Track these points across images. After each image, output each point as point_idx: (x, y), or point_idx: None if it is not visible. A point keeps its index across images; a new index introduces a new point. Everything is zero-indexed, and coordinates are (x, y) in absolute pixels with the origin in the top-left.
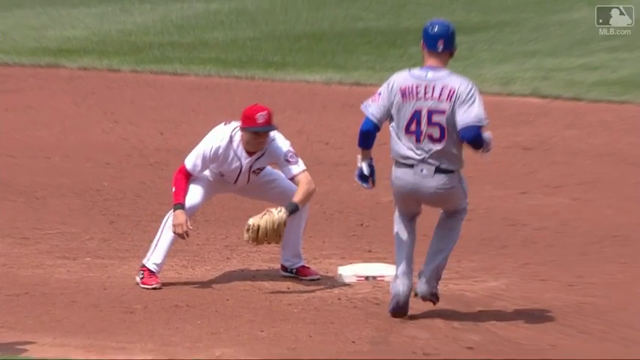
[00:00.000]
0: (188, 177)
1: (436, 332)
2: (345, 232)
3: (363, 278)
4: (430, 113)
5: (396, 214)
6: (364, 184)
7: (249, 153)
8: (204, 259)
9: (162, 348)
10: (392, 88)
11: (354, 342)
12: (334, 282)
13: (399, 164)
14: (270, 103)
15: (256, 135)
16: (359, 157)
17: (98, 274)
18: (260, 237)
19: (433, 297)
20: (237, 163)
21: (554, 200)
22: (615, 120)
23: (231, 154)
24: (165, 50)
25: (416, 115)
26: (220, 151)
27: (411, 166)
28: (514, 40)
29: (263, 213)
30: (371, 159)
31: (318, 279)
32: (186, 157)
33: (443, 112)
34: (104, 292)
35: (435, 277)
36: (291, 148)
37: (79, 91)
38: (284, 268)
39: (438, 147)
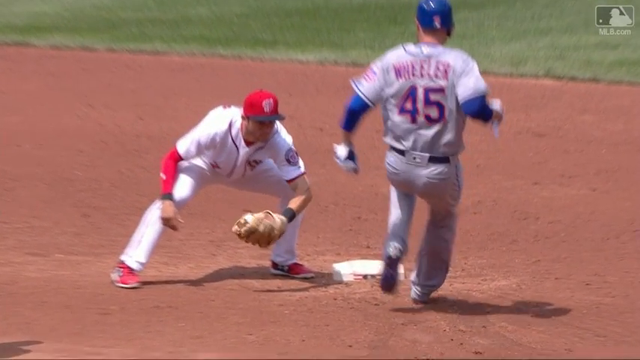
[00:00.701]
0: (178, 162)
1: (440, 336)
2: (340, 227)
3: (360, 276)
4: (427, 92)
5: (392, 189)
6: (346, 166)
7: (248, 143)
8: (187, 256)
9: (141, 353)
10: (386, 67)
11: (350, 346)
12: (329, 280)
13: (391, 149)
14: (259, 85)
15: (261, 125)
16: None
17: (71, 272)
18: (250, 238)
19: (427, 299)
20: (235, 153)
21: (569, 192)
22: (634, 104)
23: (229, 142)
24: (144, 27)
25: (411, 94)
26: (218, 138)
27: (403, 152)
28: (526, 16)
29: (264, 216)
30: (351, 144)
31: (312, 277)
32: (175, 141)
33: (441, 89)
34: (77, 292)
35: (433, 284)
36: (292, 146)
37: (50, 73)
38: (275, 265)
39: (435, 129)
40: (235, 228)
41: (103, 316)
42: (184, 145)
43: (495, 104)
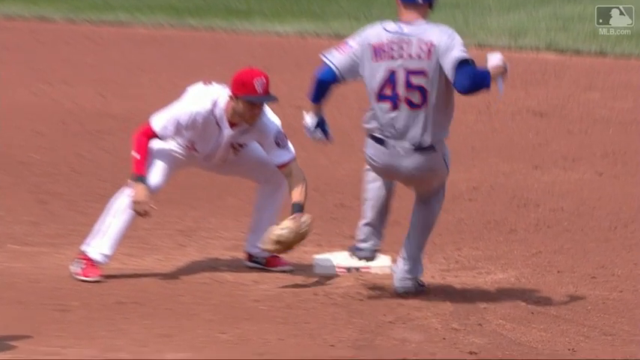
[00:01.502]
0: (151, 140)
1: (432, 334)
2: (322, 215)
3: (344, 269)
4: (408, 74)
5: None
6: (314, 136)
7: (233, 125)
8: (154, 247)
9: (104, 353)
10: (364, 45)
11: (333, 346)
12: (309, 274)
13: (371, 139)
14: (232, 60)
15: (252, 106)
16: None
17: (26, 265)
18: (282, 248)
19: (414, 290)
20: (217, 136)
21: (572, 176)
22: None
23: (212, 123)
24: None
25: (391, 78)
26: (200, 118)
27: (383, 142)
28: None
29: (295, 224)
30: (321, 113)
31: (291, 270)
32: (143, 120)
33: (423, 72)
34: (33, 286)
35: (416, 268)
36: (281, 128)
37: (2, 46)
38: (250, 257)
39: (417, 115)
40: (270, 247)
41: (62, 313)
42: (161, 121)
43: (494, 58)
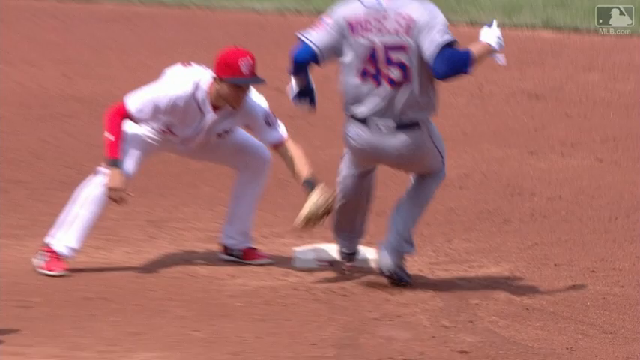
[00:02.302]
0: (125, 120)
1: (420, 332)
2: (302, 204)
3: (325, 263)
4: (387, 50)
5: (346, 160)
6: (298, 103)
7: (216, 108)
8: (122, 239)
9: (69, 353)
10: (339, 21)
11: (314, 344)
12: (289, 268)
13: (351, 119)
14: (207, 39)
15: (237, 89)
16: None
17: None
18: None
19: (400, 273)
20: (199, 121)
21: (570, 163)
22: None
23: (194, 108)
24: None
25: (371, 54)
26: (181, 102)
27: (365, 121)
28: None
29: (320, 198)
30: (306, 80)
31: (269, 264)
32: (125, 96)
33: (403, 47)
34: None
35: (400, 244)
36: (268, 107)
37: None
38: (225, 249)
39: (399, 92)
40: (301, 225)
41: (24, 309)
42: (137, 103)
43: (487, 35)
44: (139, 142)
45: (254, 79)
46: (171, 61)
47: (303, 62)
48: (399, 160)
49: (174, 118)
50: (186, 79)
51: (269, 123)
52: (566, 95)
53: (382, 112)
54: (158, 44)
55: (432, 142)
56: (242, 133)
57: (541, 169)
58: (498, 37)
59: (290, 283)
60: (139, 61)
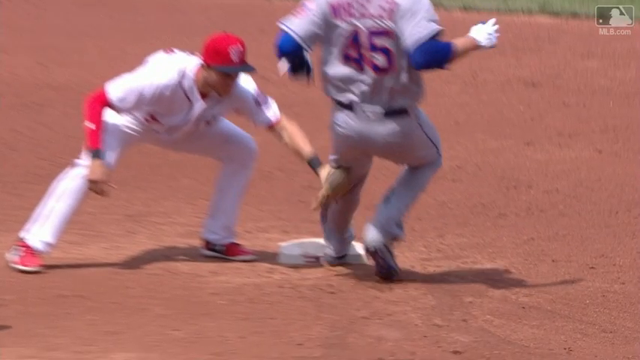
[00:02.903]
0: (105, 108)
1: (411, 331)
2: (288, 197)
3: (312, 259)
4: (371, 35)
5: (331, 162)
6: (295, 75)
7: (204, 95)
8: (99, 234)
9: (43, 353)
10: (321, 3)
11: (300, 344)
12: (274, 264)
13: (338, 106)
14: (187, 24)
15: (226, 77)
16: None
17: None
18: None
19: (387, 254)
20: (187, 109)
21: (568, 154)
22: None
23: (181, 97)
24: None
25: (354, 38)
26: (168, 92)
27: (351, 107)
28: None
29: (336, 177)
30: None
31: (253, 260)
32: (106, 83)
33: (386, 33)
34: None
35: (389, 225)
36: (257, 88)
37: None
38: (207, 245)
39: (384, 79)
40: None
41: None
42: (119, 91)
43: (478, 32)
44: (118, 132)
45: (244, 67)
46: (151, 48)
47: (289, 52)
48: (387, 149)
49: (159, 107)
50: (171, 67)
51: (260, 104)
52: (564, 83)
53: (369, 98)
54: (137, 30)
55: (422, 131)
56: (227, 123)
57: (538, 161)
58: (490, 34)
59: (275, 281)
60: (116, 48)
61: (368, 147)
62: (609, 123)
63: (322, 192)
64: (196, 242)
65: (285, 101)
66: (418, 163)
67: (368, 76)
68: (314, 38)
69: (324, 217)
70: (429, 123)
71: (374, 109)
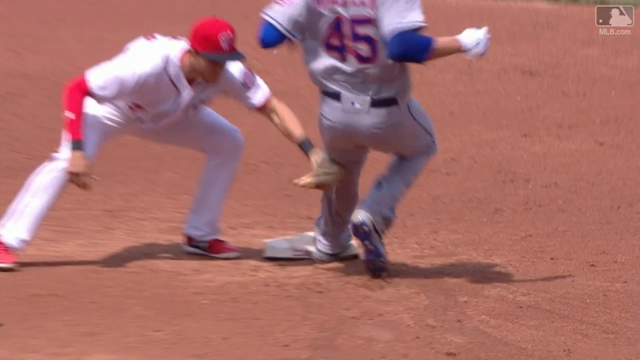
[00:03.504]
0: (86, 96)
1: (403, 332)
2: (274, 192)
3: (301, 253)
4: (353, 23)
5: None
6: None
7: (190, 81)
8: (76, 230)
9: (18, 355)
10: None
11: (287, 346)
12: (259, 261)
13: (324, 96)
14: (167, 10)
15: (215, 64)
16: None
17: None
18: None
19: (372, 235)
20: (174, 97)
21: (568, 146)
22: None
23: (167, 85)
24: None
25: (336, 26)
26: (152, 80)
27: (338, 97)
28: None
29: (325, 166)
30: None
31: (237, 257)
32: (86, 71)
33: (369, 21)
34: None
35: (379, 205)
36: (244, 68)
37: None
38: (190, 241)
39: (369, 69)
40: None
41: None
42: (100, 79)
43: (466, 34)
44: (97, 125)
45: (233, 55)
46: (130, 35)
47: (272, 44)
48: (374, 139)
49: (144, 96)
50: (155, 54)
51: (248, 86)
52: (563, 72)
53: (355, 88)
54: (115, 16)
55: (414, 120)
56: (212, 114)
57: (536, 153)
58: (479, 41)
59: (260, 279)
60: (94, 35)
61: (354, 138)
62: (611, 114)
63: (309, 180)
64: (178, 239)
65: (271, 91)
66: (412, 151)
67: (352, 66)
68: (298, 27)
69: (324, 210)
70: (421, 111)
71: (361, 99)
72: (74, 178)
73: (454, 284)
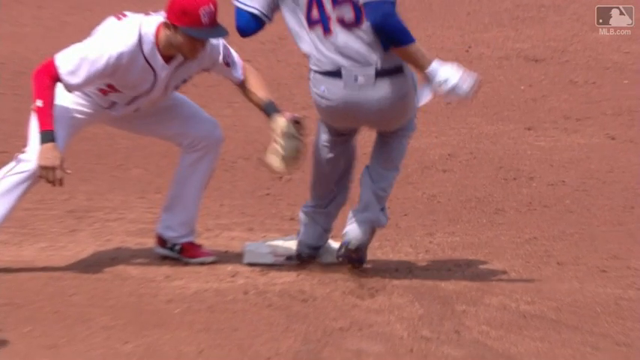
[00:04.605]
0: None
1: (396, 344)
2: (254, 190)
3: (282, 259)
4: None
5: (321, 126)
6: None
7: (168, 59)
8: (36, 232)
9: None
10: None
11: (268, 359)
12: (238, 267)
13: (321, 75)
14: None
15: (196, 41)
16: None
17: None
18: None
19: (363, 253)
20: (149, 78)
21: (576, 140)
22: None
23: (141, 64)
24: None
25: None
26: (124, 60)
27: (339, 74)
28: None
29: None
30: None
31: (214, 262)
32: (55, 55)
33: None
34: None
35: (375, 215)
36: (224, 43)
37: None
38: (162, 243)
39: (360, 34)
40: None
41: None
42: (70, 63)
43: (445, 69)
44: (65, 118)
45: (215, 31)
46: (95, 19)
47: (252, 32)
48: (378, 116)
49: (117, 79)
50: (128, 32)
51: (229, 64)
52: (571, 58)
53: (355, 60)
54: None
55: (414, 88)
56: (190, 104)
57: (541, 148)
58: (448, 79)
59: (239, 286)
60: (55, 18)
61: (357, 116)
62: (623, 105)
63: (276, 162)
64: (148, 241)
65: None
66: (399, 126)
67: (341, 37)
68: (273, 7)
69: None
70: (414, 78)
71: (365, 72)
72: (46, 173)
73: (451, 292)
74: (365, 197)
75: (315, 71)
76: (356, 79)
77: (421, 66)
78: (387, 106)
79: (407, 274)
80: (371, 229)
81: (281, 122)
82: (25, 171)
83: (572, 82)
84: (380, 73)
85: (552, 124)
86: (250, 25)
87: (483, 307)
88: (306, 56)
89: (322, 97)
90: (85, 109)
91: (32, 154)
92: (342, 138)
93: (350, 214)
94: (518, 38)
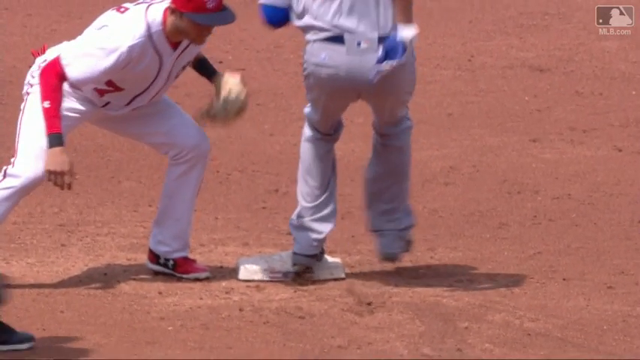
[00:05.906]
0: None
1: None
2: (249, 204)
3: (278, 275)
4: None
5: (309, 112)
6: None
7: (175, 45)
8: (23, 247)
9: None
10: None
11: None
12: (232, 282)
13: (320, 41)
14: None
15: (201, 26)
16: None
17: None
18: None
19: (407, 246)
20: (156, 66)
21: (582, 152)
22: None
23: (150, 54)
24: None
25: None
26: (135, 53)
27: (341, 39)
28: None
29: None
30: None
31: (207, 278)
32: (60, 54)
33: None
34: None
35: (397, 216)
36: None
37: None
38: (155, 259)
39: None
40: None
41: None
42: (77, 63)
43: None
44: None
45: (222, 15)
46: (85, 26)
47: (282, 23)
48: (378, 84)
49: (122, 74)
50: (134, 23)
51: None
52: (576, 68)
53: (357, 24)
54: (69, 4)
55: (412, 54)
56: (182, 115)
57: (546, 161)
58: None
59: (234, 303)
60: (44, 25)
61: (358, 85)
62: (631, 116)
63: (213, 109)
64: (141, 257)
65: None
66: (398, 109)
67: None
68: None
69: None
70: (413, 50)
71: (368, 37)
72: (54, 178)
73: (453, 308)
74: (387, 205)
75: (315, 40)
76: (359, 45)
77: (410, 19)
78: (389, 75)
79: (407, 290)
80: (404, 237)
81: (232, 79)
82: (11, 187)
83: (577, 92)
84: (382, 39)
85: (558, 135)
86: (276, 17)
87: (486, 324)
88: (304, 30)
89: (322, 66)
90: (80, 105)
91: (20, 169)
92: (328, 137)
93: (381, 231)
94: (523, 47)
